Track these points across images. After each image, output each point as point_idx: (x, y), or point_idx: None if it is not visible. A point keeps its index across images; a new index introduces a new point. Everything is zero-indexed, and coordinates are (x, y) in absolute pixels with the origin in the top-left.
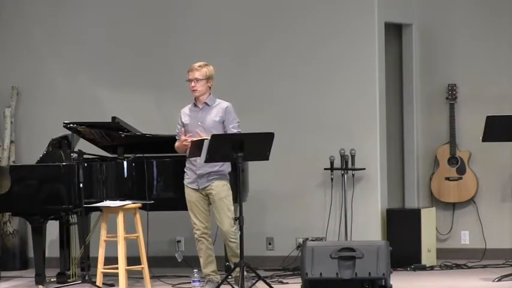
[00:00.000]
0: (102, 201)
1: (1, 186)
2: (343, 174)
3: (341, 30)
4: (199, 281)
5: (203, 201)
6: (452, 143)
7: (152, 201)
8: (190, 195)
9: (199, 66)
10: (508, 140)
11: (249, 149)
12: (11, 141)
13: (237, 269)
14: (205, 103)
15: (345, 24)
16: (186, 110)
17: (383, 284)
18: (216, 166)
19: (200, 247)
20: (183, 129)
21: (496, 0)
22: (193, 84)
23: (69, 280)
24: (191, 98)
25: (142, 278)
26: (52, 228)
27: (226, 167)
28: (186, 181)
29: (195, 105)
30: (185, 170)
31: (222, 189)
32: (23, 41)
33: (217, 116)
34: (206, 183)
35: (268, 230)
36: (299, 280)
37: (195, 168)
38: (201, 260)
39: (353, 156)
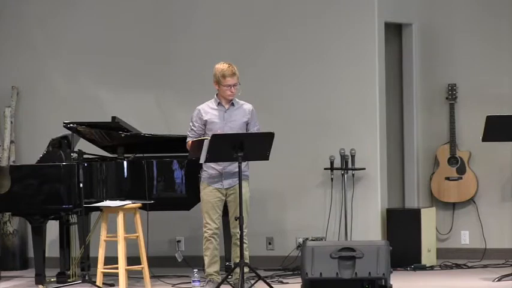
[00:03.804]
0: (102, 201)
1: (1, 186)
2: (343, 174)
3: (341, 30)
4: (199, 281)
5: (221, 203)
6: (452, 143)
7: (152, 201)
8: (210, 195)
9: (234, 70)
10: (508, 140)
11: (249, 149)
12: (11, 141)
13: (237, 269)
14: (232, 103)
15: (345, 24)
16: (205, 108)
17: (383, 283)
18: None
19: (208, 246)
20: (202, 127)
21: (496, 1)
22: (233, 89)
23: (69, 280)
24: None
25: (142, 278)
26: (52, 228)
27: (248, 168)
28: (207, 181)
29: (220, 104)
30: (205, 168)
31: (247, 190)
32: (23, 41)
33: (245, 117)
34: (233, 183)
35: (268, 230)
36: (299, 280)
37: (221, 167)
38: (206, 260)
39: (353, 156)
